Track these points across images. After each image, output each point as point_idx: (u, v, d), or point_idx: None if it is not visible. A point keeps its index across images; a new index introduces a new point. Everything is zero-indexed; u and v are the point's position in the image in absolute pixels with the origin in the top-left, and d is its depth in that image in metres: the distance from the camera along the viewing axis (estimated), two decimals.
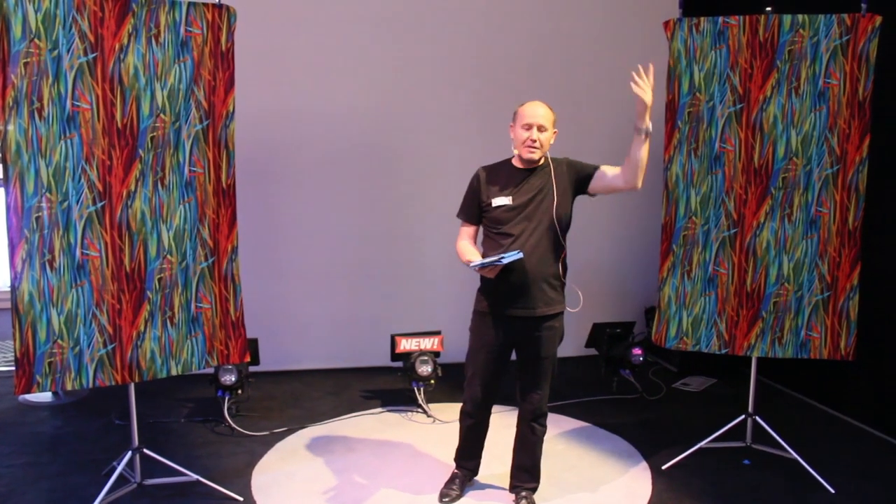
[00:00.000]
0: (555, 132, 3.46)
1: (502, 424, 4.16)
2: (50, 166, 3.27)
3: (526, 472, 3.68)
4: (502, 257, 3.25)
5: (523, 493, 3.68)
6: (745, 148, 3.93)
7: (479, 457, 3.82)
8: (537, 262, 3.40)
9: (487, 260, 3.29)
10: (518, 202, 3.41)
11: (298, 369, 5.72)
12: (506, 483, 3.79)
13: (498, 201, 3.43)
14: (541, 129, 3.38)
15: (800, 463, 3.99)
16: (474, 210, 3.53)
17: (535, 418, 3.59)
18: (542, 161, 3.48)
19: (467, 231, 3.56)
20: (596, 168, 3.48)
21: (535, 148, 3.39)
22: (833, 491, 3.83)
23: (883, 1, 3.89)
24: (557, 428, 4.64)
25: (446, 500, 3.70)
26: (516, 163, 3.50)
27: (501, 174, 3.51)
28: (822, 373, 4.89)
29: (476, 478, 3.89)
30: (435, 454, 4.23)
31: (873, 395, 4.64)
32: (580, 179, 3.48)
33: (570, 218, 3.50)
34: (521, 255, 3.26)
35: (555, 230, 3.42)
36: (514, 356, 3.63)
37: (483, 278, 3.52)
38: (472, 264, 3.32)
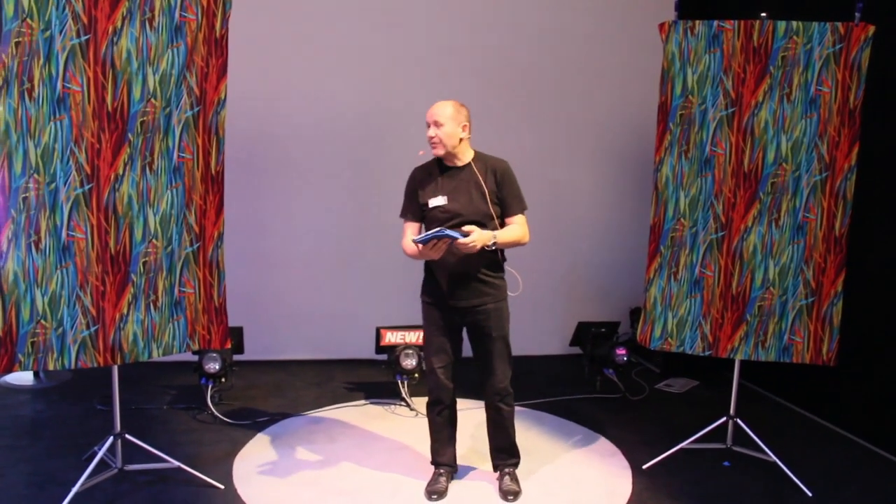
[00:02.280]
0: (464, 126, 3.54)
1: (480, 417, 4.15)
2: (38, 147, 3.25)
3: (504, 451, 3.81)
4: (442, 230, 3.33)
5: (506, 471, 3.80)
6: (735, 152, 3.94)
7: (454, 450, 3.85)
8: (474, 256, 3.47)
9: (430, 233, 3.35)
10: (453, 201, 3.51)
11: (283, 359, 5.71)
12: (488, 470, 3.84)
13: (434, 202, 3.54)
14: (436, 125, 3.50)
15: (779, 466, 4.01)
16: (416, 208, 3.61)
17: (500, 398, 3.68)
18: (467, 157, 3.58)
19: (412, 228, 3.62)
20: (510, 211, 3.56)
21: (434, 143, 3.53)
22: (811, 494, 3.86)
23: (876, 10, 3.91)
24: (539, 425, 4.66)
25: (435, 497, 3.71)
26: (446, 162, 3.59)
27: (434, 174, 3.61)
28: (804, 378, 4.92)
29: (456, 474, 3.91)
30: (417, 447, 4.24)
31: (854, 401, 4.67)
32: (500, 198, 3.55)
33: (501, 210, 3.57)
34: (458, 235, 3.32)
35: (489, 224, 3.51)
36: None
37: (427, 268, 3.65)
38: (415, 238, 3.38)
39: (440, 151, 3.53)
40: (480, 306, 3.57)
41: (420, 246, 3.37)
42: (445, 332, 3.64)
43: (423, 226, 3.61)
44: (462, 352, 3.73)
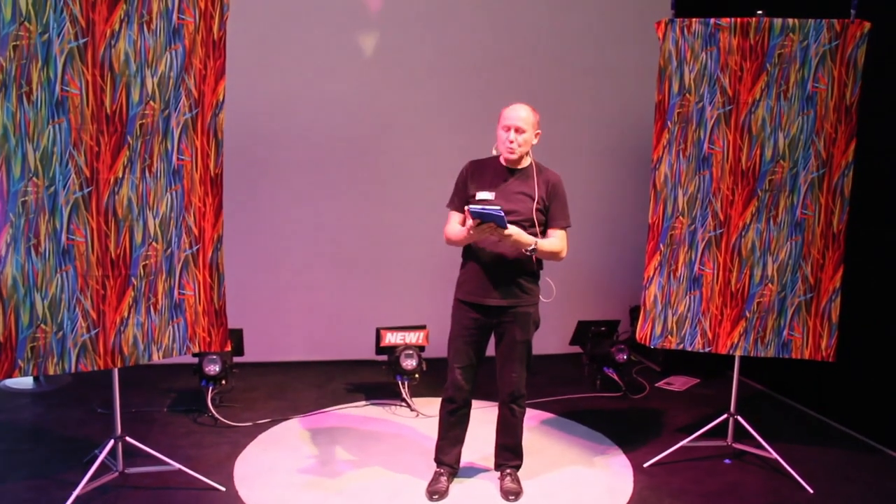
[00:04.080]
0: (537, 133, 3.61)
1: (483, 420, 4.17)
2: (37, 151, 3.25)
3: (509, 451, 3.83)
4: (500, 210, 3.32)
5: (508, 471, 3.82)
6: (732, 149, 3.95)
7: (459, 451, 3.85)
8: (513, 259, 3.56)
9: (486, 208, 3.32)
10: (500, 199, 3.54)
11: (283, 361, 5.71)
12: (489, 470, 3.85)
13: (481, 195, 3.57)
14: (518, 130, 3.53)
15: (780, 463, 4.02)
16: (462, 199, 3.65)
17: (513, 399, 3.73)
18: (526, 162, 3.64)
19: (457, 216, 3.65)
20: (553, 224, 3.61)
21: (512, 149, 3.54)
22: (812, 491, 3.86)
23: (872, 7, 3.92)
24: (540, 424, 4.66)
25: (436, 497, 3.71)
26: (502, 161, 3.64)
27: (488, 170, 3.65)
28: (804, 374, 4.93)
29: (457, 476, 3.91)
30: (418, 448, 4.24)
31: (854, 396, 4.68)
32: (547, 208, 3.61)
33: (546, 220, 3.63)
34: (504, 223, 3.34)
35: (530, 229, 3.54)
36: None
37: (465, 267, 3.68)
38: (471, 207, 3.35)
39: (514, 157, 3.57)
40: (512, 308, 3.60)
41: (470, 222, 3.36)
42: (471, 334, 3.67)
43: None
44: (485, 354, 3.75)
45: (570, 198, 3.69)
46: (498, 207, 3.34)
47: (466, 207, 3.38)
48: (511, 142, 3.52)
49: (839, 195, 3.89)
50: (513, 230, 3.40)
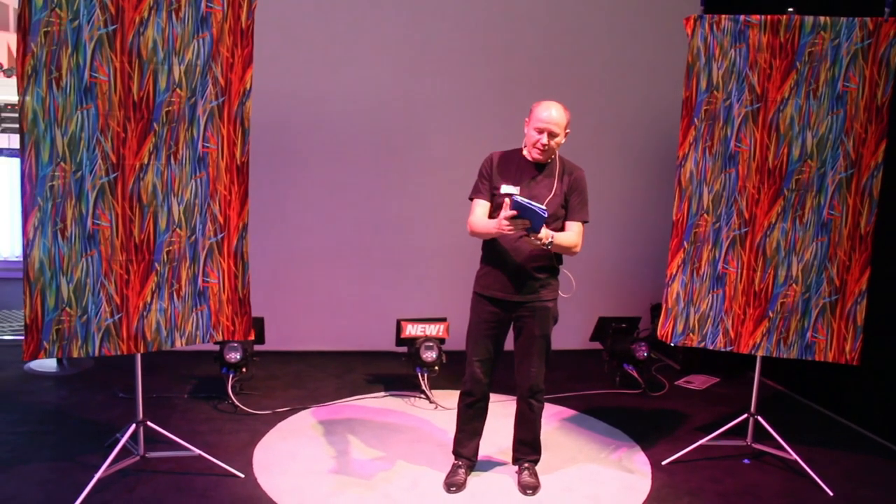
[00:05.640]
0: (567, 133, 3.56)
1: (502, 413, 4.17)
2: (65, 136, 3.28)
3: (527, 445, 3.84)
4: (543, 209, 3.26)
5: (526, 465, 3.82)
6: (759, 148, 3.91)
7: (477, 444, 3.85)
8: (532, 251, 3.53)
9: (531, 203, 3.25)
10: (525, 194, 3.49)
11: (303, 350, 5.74)
12: (507, 464, 3.86)
13: (506, 189, 3.54)
14: (551, 135, 3.49)
15: (800, 464, 3.99)
16: (488, 190, 3.62)
17: (531, 394, 3.73)
18: (551, 158, 3.61)
19: (483, 206, 3.60)
20: (572, 217, 3.59)
21: (542, 151, 3.52)
22: (832, 494, 3.83)
23: None
24: (558, 419, 4.65)
25: (454, 489, 3.71)
26: (528, 155, 3.60)
27: (513, 164, 3.62)
28: (825, 376, 4.88)
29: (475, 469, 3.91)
30: (436, 440, 4.25)
31: (876, 400, 4.63)
32: (567, 201, 3.59)
33: (565, 214, 3.61)
34: (542, 223, 3.29)
35: (553, 224, 3.52)
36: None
37: (485, 261, 3.67)
38: (512, 193, 3.31)
39: (543, 158, 3.55)
40: (531, 303, 3.60)
41: (507, 212, 3.27)
42: (490, 327, 3.66)
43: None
44: (503, 348, 3.75)
45: (593, 194, 3.66)
46: (543, 207, 3.27)
47: (510, 196, 3.30)
48: (544, 145, 3.49)
49: (868, 196, 3.84)
50: (543, 233, 3.33)
